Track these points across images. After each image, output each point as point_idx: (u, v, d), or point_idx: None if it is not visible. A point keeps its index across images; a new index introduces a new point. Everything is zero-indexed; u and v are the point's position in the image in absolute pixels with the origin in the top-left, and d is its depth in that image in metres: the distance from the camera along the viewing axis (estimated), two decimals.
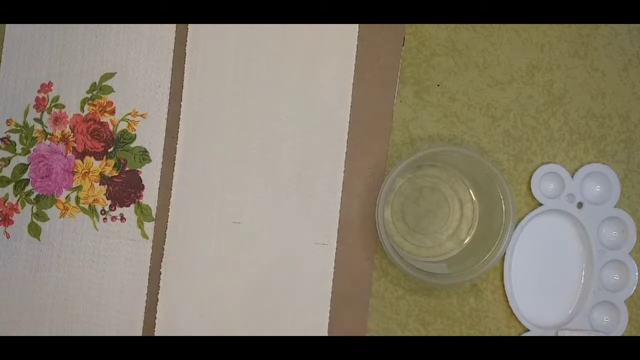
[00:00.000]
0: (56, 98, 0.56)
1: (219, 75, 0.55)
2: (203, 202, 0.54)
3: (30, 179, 0.56)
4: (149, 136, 0.55)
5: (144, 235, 0.55)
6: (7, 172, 0.56)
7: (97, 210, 0.55)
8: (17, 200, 0.55)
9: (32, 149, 0.56)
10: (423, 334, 0.53)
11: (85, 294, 0.54)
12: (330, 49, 0.55)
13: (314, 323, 0.53)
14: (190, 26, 0.56)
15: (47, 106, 0.56)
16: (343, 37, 0.55)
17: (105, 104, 0.56)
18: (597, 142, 0.55)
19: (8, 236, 0.55)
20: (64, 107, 0.56)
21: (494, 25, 0.55)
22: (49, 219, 0.55)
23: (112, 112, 0.56)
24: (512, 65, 0.55)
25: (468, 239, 0.54)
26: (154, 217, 0.55)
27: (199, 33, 0.56)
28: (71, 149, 0.55)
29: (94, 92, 0.56)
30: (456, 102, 0.55)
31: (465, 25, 0.55)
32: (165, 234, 0.54)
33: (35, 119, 0.56)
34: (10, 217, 0.55)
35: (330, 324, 0.53)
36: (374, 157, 0.54)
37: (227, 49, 0.56)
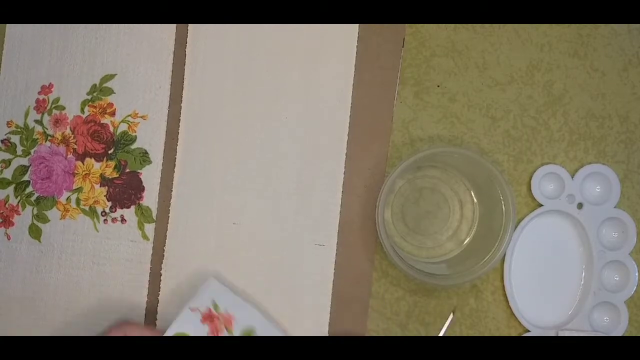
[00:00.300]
0: (56, 100, 0.56)
1: (219, 76, 0.55)
2: (203, 202, 0.55)
3: (31, 181, 0.56)
4: (149, 138, 0.55)
5: (145, 237, 0.55)
6: (8, 173, 0.56)
7: (97, 211, 0.55)
8: (18, 202, 0.56)
9: (32, 151, 0.56)
10: (423, 334, 0.53)
11: (85, 295, 0.54)
12: (330, 49, 0.55)
13: (314, 323, 0.53)
14: (190, 26, 0.56)
15: (48, 108, 0.56)
16: (343, 37, 0.55)
17: (105, 105, 0.56)
18: (597, 142, 0.55)
19: (9, 238, 0.55)
20: (64, 108, 0.56)
21: (494, 25, 0.55)
22: (49, 220, 0.55)
23: (113, 114, 0.56)
24: (512, 65, 0.55)
25: (468, 239, 0.54)
26: (154, 218, 0.55)
27: (199, 33, 0.56)
28: (71, 150, 0.56)
29: (95, 94, 0.56)
30: (456, 102, 0.55)
31: (465, 25, 0.55)
32: (166, 235, 0.54)
33: (36, 121, 0.56)
34: (10, 219, 0.56)
35: (330, 324, 0.53)
36: (374, 158, 0.54)
37: (227, 49, 0.56)
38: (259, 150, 0.55)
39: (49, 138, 0.56)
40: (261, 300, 0.53)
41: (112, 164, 0.55)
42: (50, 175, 0.55)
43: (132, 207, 0.55)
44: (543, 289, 0.54)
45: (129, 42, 0.56)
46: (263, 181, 0.54)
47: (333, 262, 0.53)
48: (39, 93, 0.56)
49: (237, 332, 0.49)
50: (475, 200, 0.54)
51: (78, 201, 0.55)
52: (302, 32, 0.55)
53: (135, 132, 0.55)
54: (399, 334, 0.53)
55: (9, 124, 0.56)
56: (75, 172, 0.55)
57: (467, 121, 0.55)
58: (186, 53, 0.56)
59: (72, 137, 0.56)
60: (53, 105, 0.56)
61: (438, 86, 0.55)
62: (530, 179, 0.54)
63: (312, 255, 0.53)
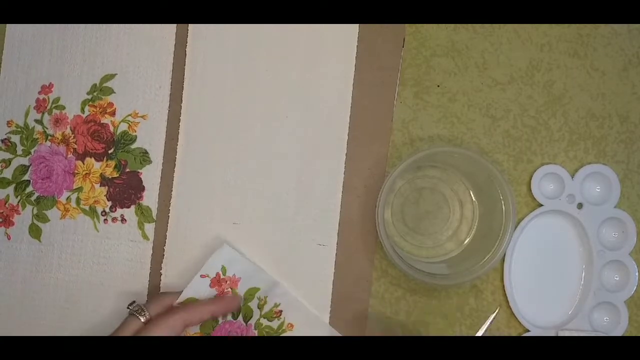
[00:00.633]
0: (57, 99, 0.56)
1: (219, 75, 0.55)
2: (203, 203, 0.55)
3: (31, 180, 0.56)
4: (150, 137, 0.55)
5: (145, 236, 0.55)
6: (8, 173, 0.56)
7: (97, 211, 0.55)
8: (18, 202, 0.56)
9: (32, 150, 0.56)
10: (423, 334, 0.53)
11: (85, 295, 0.54)
12: (330, 49, 0.55)
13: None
14: (190, 26, 0.56)
15: (48, 107, 0.56)
16: (343, 37, 0.55)
17: (105, 105, 0.56)
18: (597, 142, 0.55)
19: (9, 237, 0.55)
20: (64, 108, 0.56)
21: (494, 25, 0.55)
22: (49, 220, 0.55)
23: (113, 114, 0.56)
24: (512, 65, 0.55)
25: (468, 239, 0.54)
26: (155, 218, 0.55)
27: (199, 33, 0.56)
28: (72, 150, 0.56)
29: (95, 94, 0.56)
30: (456, 102, 0.55)
31: (465, 25, 0.55)
32: (166, 235, 0.54)
33: (36, 120, 0.56)
34: (10, 219, 0.56)
35: (330, 324, 0.53)
36: (374, 158, 0.54)
37: (227, 49, 0.56)
38: (259, 150, 0.55)
39: (49, 138, 0.56)
40: None
41: (112, 163, 0.55)
42: (51, 175, 0.55)
43: (132, 207, 0.55)
44: (543, 289, 0.54)
45: (129, 42, 0.56)
46: (263, 181, 0.54)
47: (333, 262, 0.53)
48: (39, 93, 0.56)
49: (241, 292, 0.51)
50: (475, 200, 0.54)
51: (78, 201, 0.55)
52: (302, 32, 0.55)
53: (135, 131, 0.55)
54: (399, 334, 0.53)
55: (9, 123, 0.56)
56: (76, 171, 0.55)
57: (467, 121, 0.55)
58: (186, 53, 0.56)
59: (72, 137, 0.56)
60: (53, 105, 0.56)
61: (438, 86, 0.55)
62: (530, 179, 0.54)
63: (312, 255, 0.53)
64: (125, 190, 0.55)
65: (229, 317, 0.51)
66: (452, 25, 0.55)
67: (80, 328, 0.54)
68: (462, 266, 0.51)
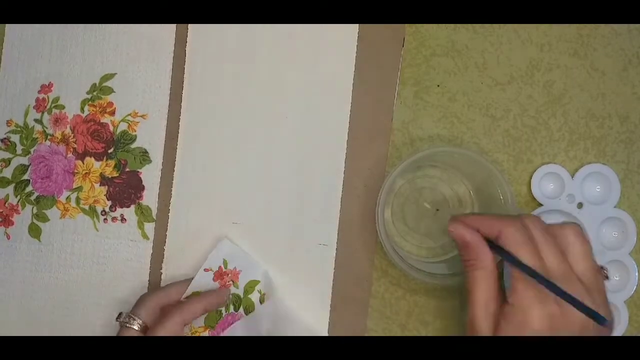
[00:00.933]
0: (56, 99, 0.56)
1: (219, 76, 0.55)
2: (203, 202, 0.55)
3: (31, 180, 0.56)
4: (149, 137, 0.55)
5: (144, 236, 0.55)
6: (8, 173, 0.56)
7: (97, 211, 0.55)
8: (18, 201, 0.56)
9: (32, 150, 0.56)
10: (423, 334, 0.53)
11: (85, 295, 0.54)
12: (330, 49, 0.55)
13: (314, 323, 0.53)
14: (190, 26, 0.56)
15: (48, 107, 0.56)
16: (343, 37, 0.55)
17: (105, 104, 0.56)
18: (597, 142, 0.55)
19: (8, 237, 0.55)
20: (64, 108, 0.56)
21: (494, 25, 0.55)
22: (49, 219, 0.55)
23: (112, 113, 0.56)
24: (512, 65, 0.55)
25: None
26: (154, 217, 0.55)
27: (199, 33, 0.56)
28: (71, 149, 0.56)
29: (94, 93, 0.56)
30: (456, 102, 0.55)
31: (465, 25, 0.55)
32: (166, 235, 0.54)
33: (36, 120, 0.56)
34: (10, 218, 0.56)
35: (330, 324, 0.53)
36: (374, 158, 0.54)
37: (227, 49, 0.56)
38: (259, 150, 0.55)
39: (49, 137, 0.56)
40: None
41: (112, 163, 0.55)
42: (50, 175, 0.55)
43: (132, 207, 0.55)
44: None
45: (129, 41, 0.56)
46: (263, 181, 0.54)
47: (333, 262, 0.53)
48: (39, 92, 0.56)
49: (242, 285, 0.52)
50: (475, 200, 0.54)
51: (78, 200, 0.55)
52: (302, 32, 0.55)
53: (135, 131, 0.55)
54: (399, 334, 0.53)
55: (8, 123, 0.56)
56: (75, 171, 0.55)
57: (467, 121, 0.55)
58: (186, 53, 0.56)
59: (72, 136, 0.56)
60: (53, 105, 0.56)
61: (438, 86, 0.55)
62: (530, 179, 0.54)
63: (312, 255, 0.53)
64: (125, 190, 0.55)
65: (231, 310, 0.52)
66: (452, 25, 0.55)
67: (80, 328, 0.54)
68: (462, 266, 0.51)
